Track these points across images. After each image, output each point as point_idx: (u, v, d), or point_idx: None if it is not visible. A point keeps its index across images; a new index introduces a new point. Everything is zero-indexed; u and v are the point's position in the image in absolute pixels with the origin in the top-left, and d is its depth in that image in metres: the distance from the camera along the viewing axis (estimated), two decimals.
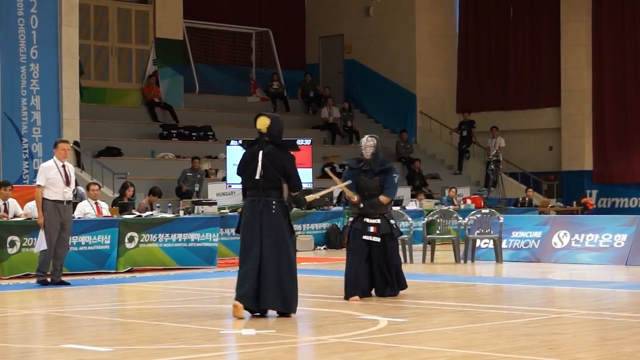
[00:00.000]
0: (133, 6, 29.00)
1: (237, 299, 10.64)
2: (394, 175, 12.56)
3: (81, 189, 19.55)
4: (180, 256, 17.34)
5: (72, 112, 23.02)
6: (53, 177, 14.45)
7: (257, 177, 10.74)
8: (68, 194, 14.61)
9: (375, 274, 12.57)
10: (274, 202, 10.73)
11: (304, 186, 14.85)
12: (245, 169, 10.92)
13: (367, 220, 12.52)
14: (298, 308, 10.78)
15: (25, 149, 21.80)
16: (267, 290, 10.62)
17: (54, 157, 14.70)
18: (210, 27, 31.66)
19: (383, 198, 12.48)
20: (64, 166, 14.61)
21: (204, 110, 30.07)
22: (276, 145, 10.85)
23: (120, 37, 28.72)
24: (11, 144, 21.98)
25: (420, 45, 32.50)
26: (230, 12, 32.68)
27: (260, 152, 10.78)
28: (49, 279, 14.68)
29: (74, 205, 17.58)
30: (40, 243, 14.47)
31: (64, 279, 14.82)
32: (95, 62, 28.31)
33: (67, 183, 14.56)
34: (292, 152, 10.99)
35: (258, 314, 10.70)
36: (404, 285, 12.81)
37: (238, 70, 32.46)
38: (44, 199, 14.45)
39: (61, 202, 14.51)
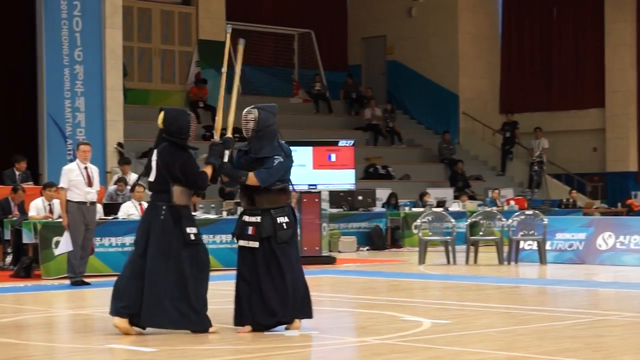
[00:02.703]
0: (176, 8, 29.15)
1: (115, 314, 9.41)
2: (276, 157, 9.65)
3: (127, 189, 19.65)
4: (225, 257, 17.37)
5: (115, 114, 23.18)
6: (75, 179, 14.71)
7: (151, 178, 9.59)
8: (91, 195, 14.83)
9: (247, 295, 9.59)
10: (163, 207, 9.41)
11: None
12: (146, 169, 9.76)
13: (246, 218, 9.68)
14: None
15: (69, 150, 21.95)
16: (151, 309, 9.29)
17: (77, 160, 14.99)
18: (252, 28, 31.72)
19: (251, 177, 9.56)
20: (86, 168, 14.85)
21: None
22: (171, 143, 9.59)
23: (163, 38, 28.88)
24: (56, 145, 22.17)
25: (462, 46, 32.39)
26: (272, 13, 32.75)
27: (155, 150, 9.66)
28: (83, 279, 14.90)
29: (118, 206, 17.76)
30: (66, 244, 14.70)
31: (98, 279, 14.97)
32: (139, 64, 28.48)
33: (90, 184, 14.79)
34: (189, 152, 9.60)
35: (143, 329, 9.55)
36: (306, 313, 9.63)
37: (281, 72, 32.50)
38: (67, 200, 14.71)
39: (84, 203, 14.74)
